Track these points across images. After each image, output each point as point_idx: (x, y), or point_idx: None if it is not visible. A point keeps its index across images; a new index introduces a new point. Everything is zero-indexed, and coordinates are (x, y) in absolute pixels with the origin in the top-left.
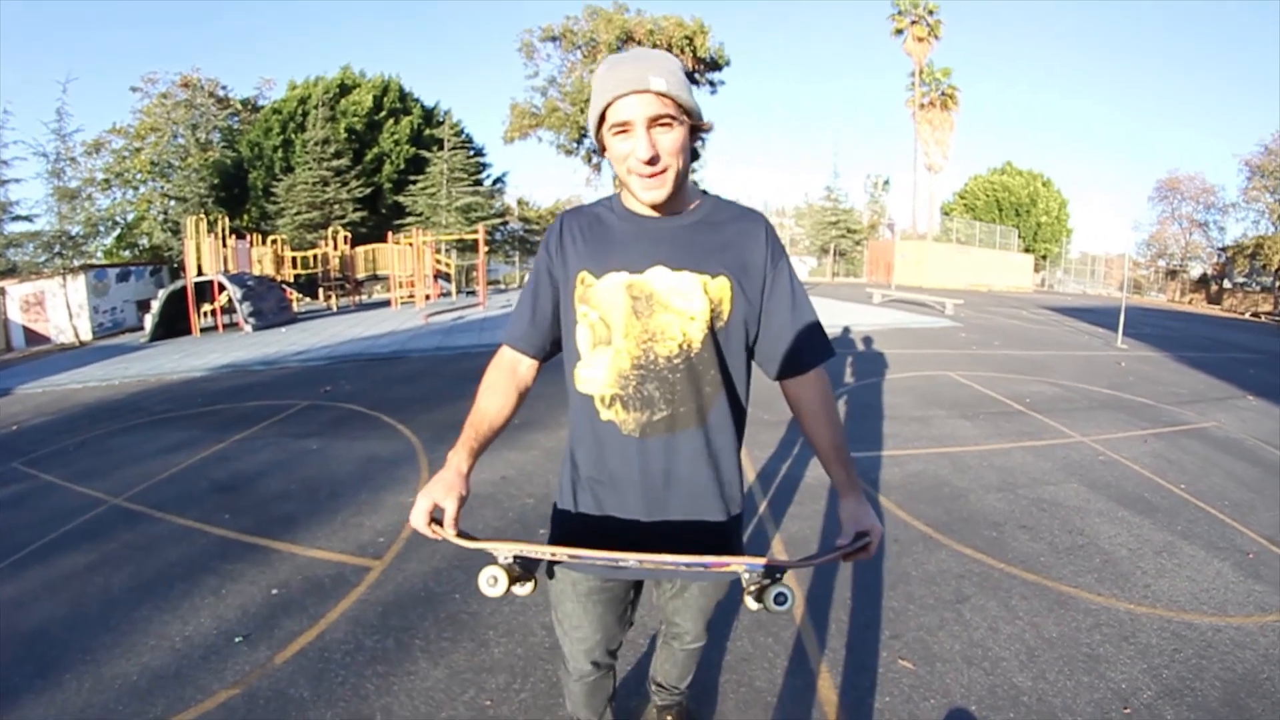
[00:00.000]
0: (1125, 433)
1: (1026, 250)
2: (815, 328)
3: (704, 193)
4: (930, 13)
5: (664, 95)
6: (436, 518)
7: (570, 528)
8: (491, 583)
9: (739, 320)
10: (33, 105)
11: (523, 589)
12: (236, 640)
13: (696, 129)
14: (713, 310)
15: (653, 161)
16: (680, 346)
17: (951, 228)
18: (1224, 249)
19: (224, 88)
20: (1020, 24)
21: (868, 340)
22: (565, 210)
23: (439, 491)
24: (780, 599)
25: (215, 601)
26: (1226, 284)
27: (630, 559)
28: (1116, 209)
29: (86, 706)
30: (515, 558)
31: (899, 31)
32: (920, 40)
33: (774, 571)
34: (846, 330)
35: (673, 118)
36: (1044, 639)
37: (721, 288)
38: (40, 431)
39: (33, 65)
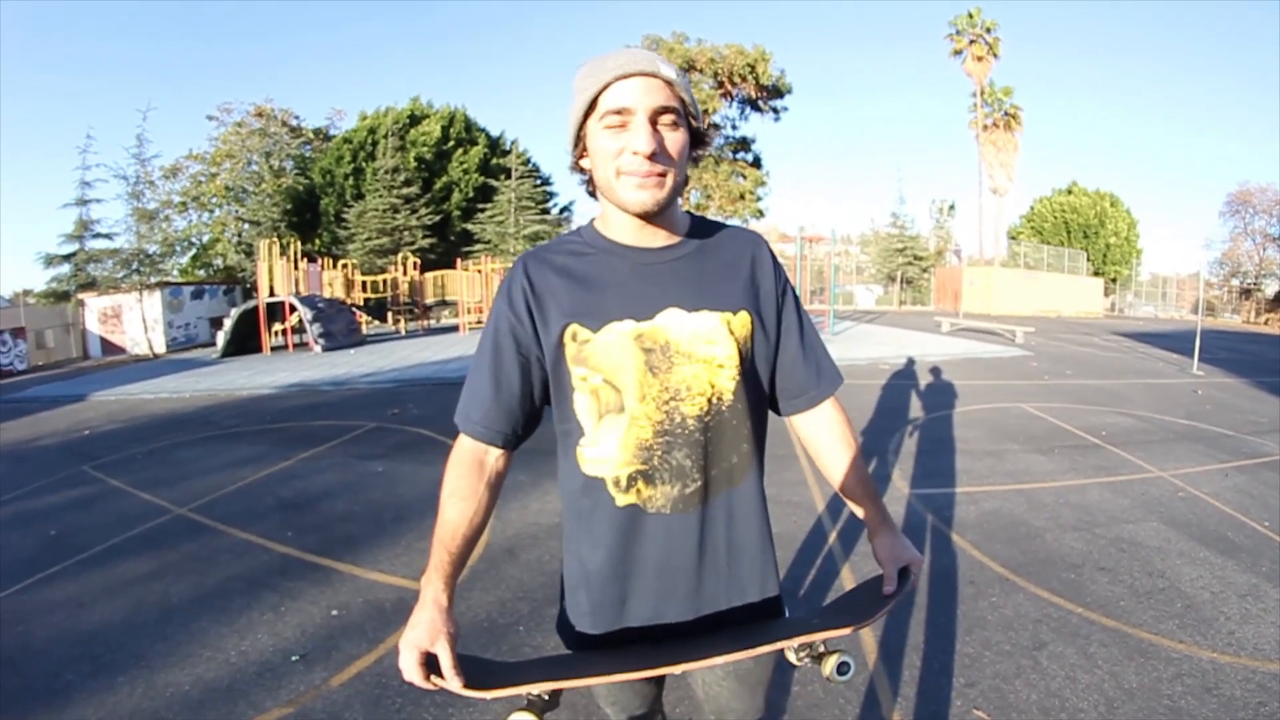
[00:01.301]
0: (1205, 466)
1: (1096, 273)
2: (825, 355)
3: (688, 214)
4: (988, 30)
5: (673, 85)
6: (434, 667)
7: (590, 635)
8: None
9: (762, 359)
10: (115, 131)
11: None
12: (293, 659)
13: (697, 140)
14: (740, 352)
15: (653, 157)
16: (710, 401)
17: (1019, 252)
18: None
19: (296, 117)
20: (1080, 38)
21: (937, 370)
22: (525, 253)
23: (423, 638)
24: (843, 669)
25: (274, 619)
26: None
27: (672, 671)
28: (1187, 227)
29: (136, 711)
30: (549, 693)
31: (958, 52)
32: (980, 60)
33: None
34: (912, 361)
35: (678, 114)
36: (1124, 690)
37: (744, 324)
38: (111, 438)
39: (116, 93)
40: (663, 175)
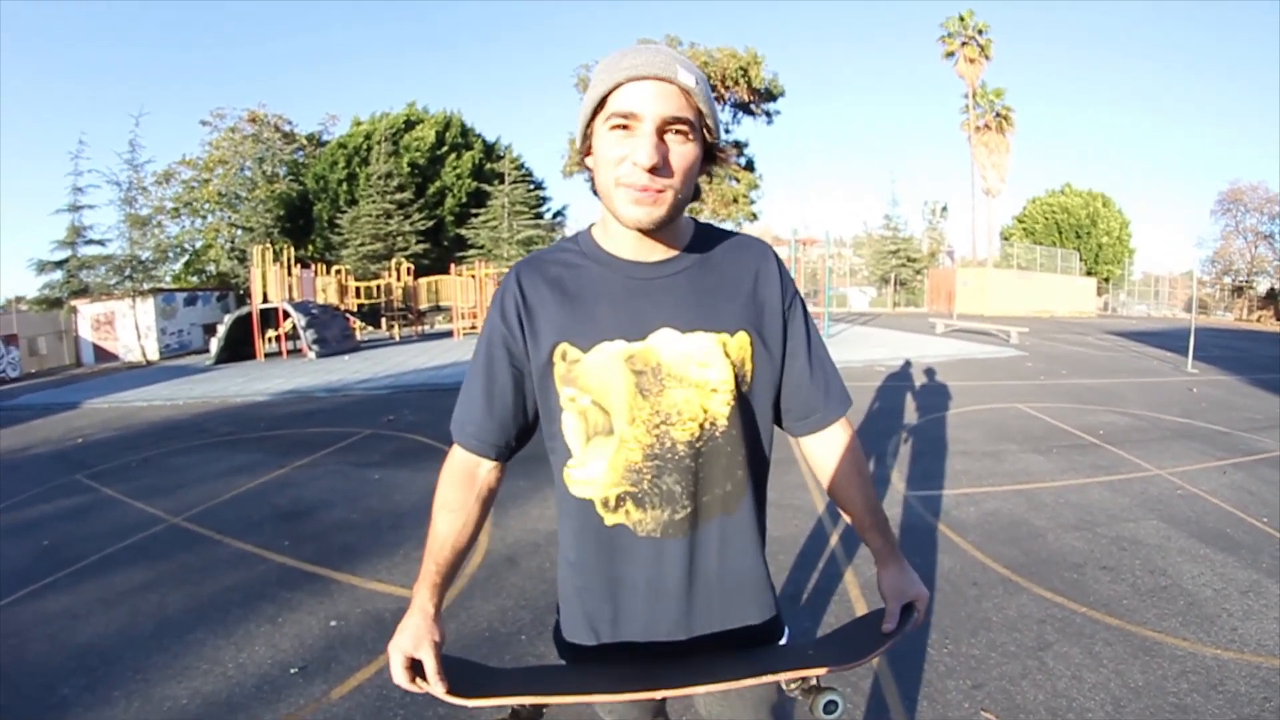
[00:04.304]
0: (1202, 464)
1: (1088, 273)
2: (835, 373)
3: (693, 221)
4: (980, 32)
5: (690, 94)
6: (420, 671)
7: (583, 649)
8: None
9: (764, 381)
10: (108, 136)
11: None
12: (292, 671)
13: (710, 155)
14: (737, 376)
15: (654, 171)
16: (702, 427)
17: (1011, 253)
18: None
19: (290, 123)
20: (1072, 40)
21: (932, 372)
22: (520, 261)
23: (407, 643)
24: (830, 707)
25: (272, 630)
26: None
27: (658, 695)
28: (1178, 225)
29: None
30: (533, 706)
31: (950, 54)
32: (971, 61)
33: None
34: (908, 363)
35: (691, 127)
36: (1130, 688)
37: (742, 346)
38: (105, 446)
39: (108, 98)
40: (662, 192)
